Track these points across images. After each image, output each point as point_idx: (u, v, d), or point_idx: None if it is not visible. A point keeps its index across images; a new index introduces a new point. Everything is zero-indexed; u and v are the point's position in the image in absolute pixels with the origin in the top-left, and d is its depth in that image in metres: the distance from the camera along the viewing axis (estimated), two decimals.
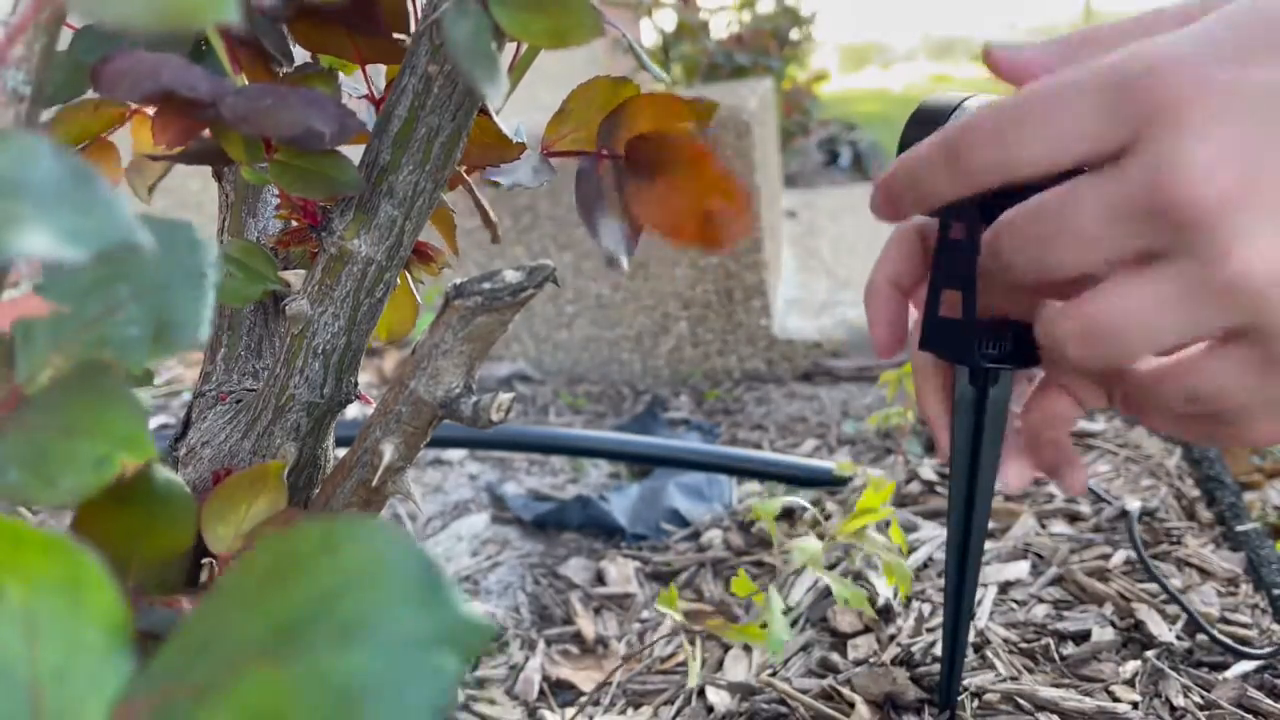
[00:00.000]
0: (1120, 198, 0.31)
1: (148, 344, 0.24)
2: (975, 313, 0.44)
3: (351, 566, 0.16)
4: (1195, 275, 0.31)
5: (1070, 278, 0.34)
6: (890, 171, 0.38)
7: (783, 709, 0.64)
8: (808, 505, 0.88)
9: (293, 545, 0.17)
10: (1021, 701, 0.62)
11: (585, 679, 0.74)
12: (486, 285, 0.34)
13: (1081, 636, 0.69)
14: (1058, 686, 0.63)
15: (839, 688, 0.65)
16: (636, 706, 0.69)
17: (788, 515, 0.96)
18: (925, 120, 0.45)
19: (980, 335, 0.45)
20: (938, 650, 0.56)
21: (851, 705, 0.64)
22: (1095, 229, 0.32)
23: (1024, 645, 0.68)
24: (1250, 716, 0.59)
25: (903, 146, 0.45)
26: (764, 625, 0.64)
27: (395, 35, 0.37)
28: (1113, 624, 0.71)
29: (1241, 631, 0.69)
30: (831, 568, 0.82)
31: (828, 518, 0.92)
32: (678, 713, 0.67)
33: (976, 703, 0.62)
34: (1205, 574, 0.77)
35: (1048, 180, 0.34)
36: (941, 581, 0.77)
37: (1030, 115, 0.33)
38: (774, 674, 0.69)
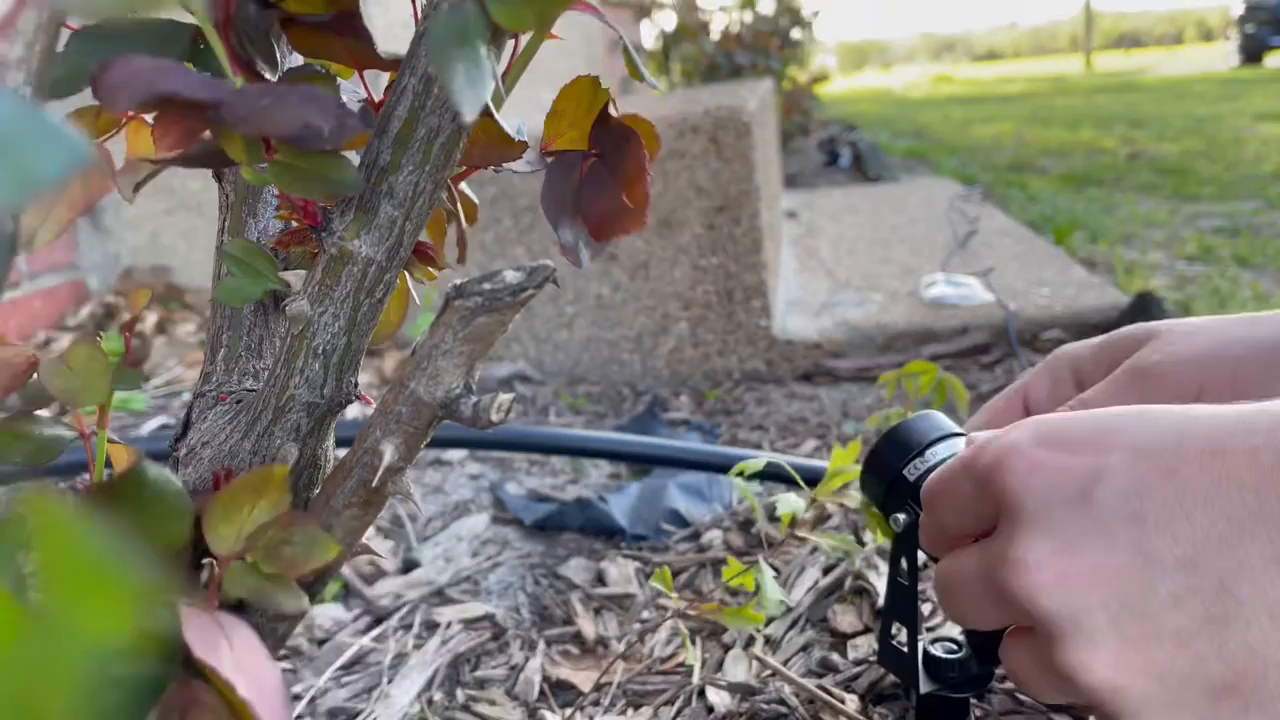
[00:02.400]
0: (981, 574, 0.39)
1: None
2: (917, 647, 0.55)
3: None
4: (1049, 661, 0.36)
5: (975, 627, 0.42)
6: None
7: (783, 709, 0.64)
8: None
9: None
10: (1027, 699, 0.62)
11: (585, 679, 0.74)
12: (486, 286, 0.34)
13: None
14: None
15: (831, 688, 0.65)
16: (636, 706, 0.69)
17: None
18: (898, 442, 0.54)
19: (924, 665, 0.55)
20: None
21: (842, 701, 0.64)
22: (971, 592, 0.40)
23: None
24: None
25: (871, 456, 0.55)
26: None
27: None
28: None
29: None
30: (830, 570, 0.82)
31: (828, 518, 0.92)
32: (678, 713, 0.67)
33: (983, 704, 0.62)
34: None
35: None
36: None
37: (934, 504, 0.43)
38: (773, 674, 0.69)
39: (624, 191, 0.38)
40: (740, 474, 0.71)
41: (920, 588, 0.77)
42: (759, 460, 0.66)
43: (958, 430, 0.53)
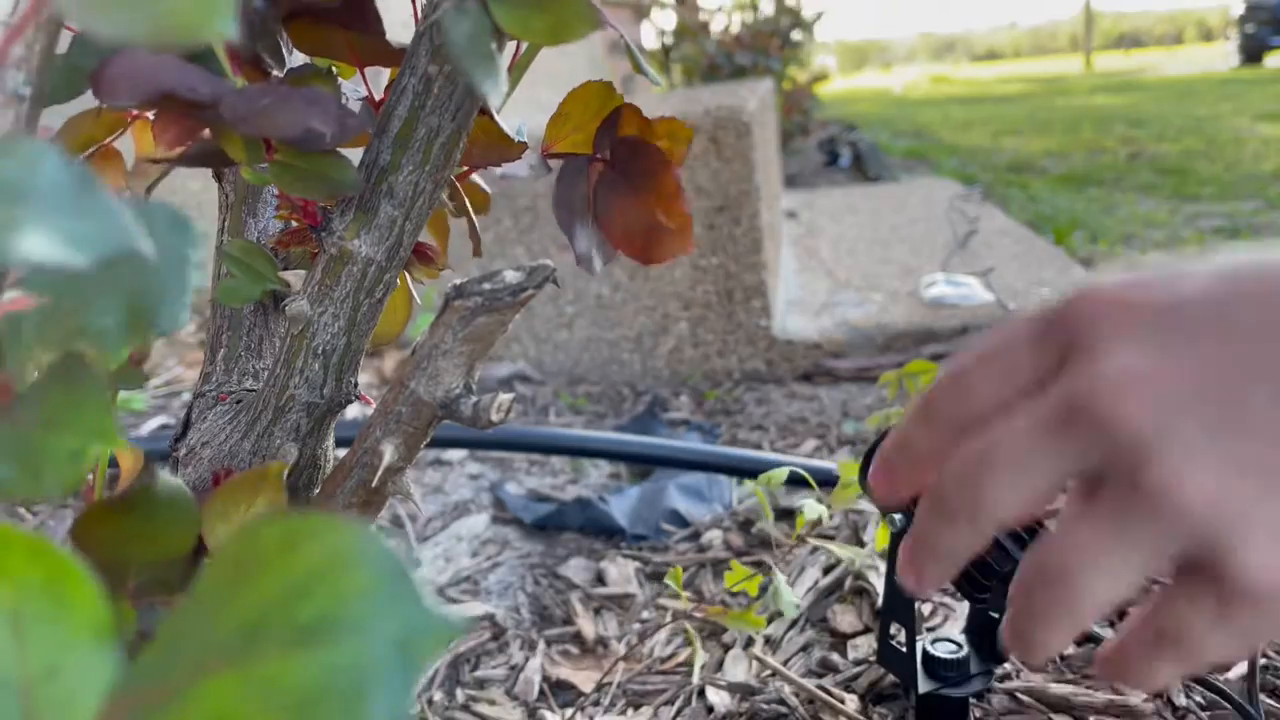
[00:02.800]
0: (1040, 422, 0.33)
1: (123, 333, 0.23)
2: (915, 647, 0.55)
3: (314, 563, 0.16)
4: (1128, 498, 0.31)
5: (1009, 518, 0.34)
6: (883, 449, 0.39)
7: (782, 709, 0.64)
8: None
9: (256, 543, 0.16)
10: (1028, 699, 0.62)
11: (585, 679, 0.74)
12: (486, 286, 0.34)
13: (1082, 636, 0.69)
14: (1063, 684, 0.63)
15: (831, 688, 0.65)
16: (636, 706, 0.69)
17: (787, 516, 0.96)
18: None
19: (924, 665, 0.56)
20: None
21: (842, 701, 0.64)
22: (1020, 453, 0.33)
23: None
24: None
25: (870, 455, 0.52)
26: (771, 614, 0.64)
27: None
28: (1111, 624, 0.71)
29: None
30: (830, 570, 0.82)
31: (829, 518, 0.92)
32: (678, 713, 0.67)
33: (982, 703, 0.62)
34: None
35: None
36: None
37: (978, 357, 0.36)
38: (773, 674, 0.69)
39: (660, 210, 0.38)
40: (766, 482, 0.71)
41: None
42: (781, 470, 0.66)
43: None
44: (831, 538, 0.89)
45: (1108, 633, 0.70)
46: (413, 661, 0.14)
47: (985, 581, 0.50)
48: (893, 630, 0.57)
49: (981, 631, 0.59)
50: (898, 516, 0.52)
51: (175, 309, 0.23)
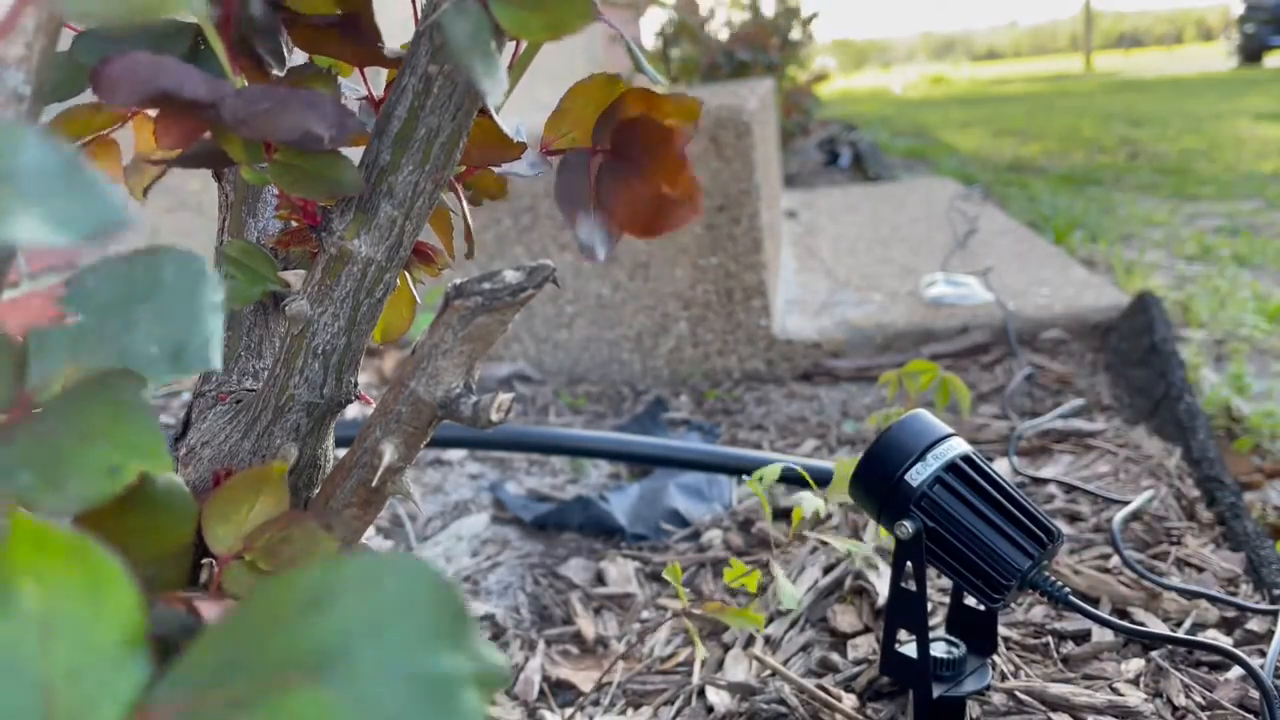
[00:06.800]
0: None
1: (166, 363, 0.25)
2: (928, 651, 0.54)
3: (390, 602, 0.17)
4: None
5: None
6: None
7: (782, 709, 0.64)
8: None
9: (334, 575, 0.18)
10: (1027, 698, 0.61)
11: (585, 679, 0.74)
12: (486, 285, 0.34)
13: (1081, 636, 0.69)
14: (1063, 684, 0.63)
15: (830, 687, 0.65)
16: (636, 706, 0.69)
17: (786, 515, 0.95)
18: (894, 448, 0.52)
19: (933, 669, 0.55)
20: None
21: (840, 700, 0.64)
22: None
23: (1024, 644, 0.68)
24: (1252, 717, 0.59)
25: (865, 464, 0.53)
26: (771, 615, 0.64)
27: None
28: (1113, 629, 0.71)
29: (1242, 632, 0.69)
30: (830, 569, 0.82)
31: (828, 517, 0.92)
32: (678, 713, 0.67)
33: (981, 703, 0.62)
34: (1205, 574, 0.77)
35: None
36: (941, 580, 0.77)
37: None
38: (773, 674, 0.69)
39: (665, 183, 0.37)
40: (759, 479, 0.71)
41: None
42: (775, 466, 0.66)
43: (950, 430, 0.53)
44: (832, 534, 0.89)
45: (1106, 634, 0.69)
46: (475, 700, 0.16)
47: (1005, 581, 0.50)
48: (899, 637, 0.57)
49: (971, 627, 0.58)
50: (908, 524, 0.51)
51: (209, 350, 0.25)
